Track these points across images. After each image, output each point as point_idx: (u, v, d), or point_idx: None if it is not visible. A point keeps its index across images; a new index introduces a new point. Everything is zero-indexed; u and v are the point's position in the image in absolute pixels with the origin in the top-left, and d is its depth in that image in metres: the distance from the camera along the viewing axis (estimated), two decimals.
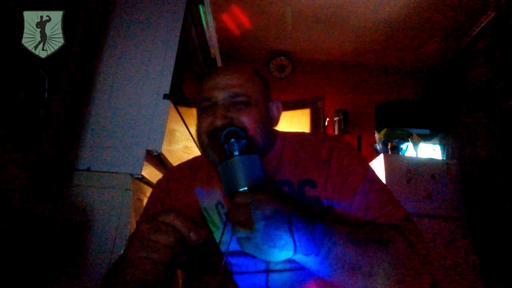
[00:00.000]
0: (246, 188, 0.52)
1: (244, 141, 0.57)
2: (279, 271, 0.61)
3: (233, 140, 0.56)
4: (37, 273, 0.85)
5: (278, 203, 0.51)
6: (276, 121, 0.78)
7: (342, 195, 0.65)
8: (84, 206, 1.00)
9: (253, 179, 0.53)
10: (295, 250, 0.49)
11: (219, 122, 0.65)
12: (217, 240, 0.62)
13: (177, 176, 0.81)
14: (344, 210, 0.64)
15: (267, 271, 0.62)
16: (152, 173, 1.18)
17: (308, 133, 0.81)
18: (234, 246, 0.60)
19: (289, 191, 0.67)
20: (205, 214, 0.70)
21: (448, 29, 2.45)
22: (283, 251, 0.49)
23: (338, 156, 0.69)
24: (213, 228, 0.68)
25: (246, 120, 0.67)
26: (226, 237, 0.61)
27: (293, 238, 0.49)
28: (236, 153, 0.55)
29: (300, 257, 0.51)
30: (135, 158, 1.07)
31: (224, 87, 0.69)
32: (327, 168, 0.68)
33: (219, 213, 0.69)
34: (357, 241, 0.54)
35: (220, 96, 0.68)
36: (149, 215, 0.62)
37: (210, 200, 0.72)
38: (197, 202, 0.72)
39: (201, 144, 0.72)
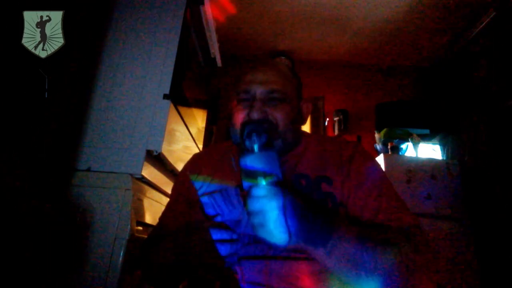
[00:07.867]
0: (263, 182, 0.56)
1: (264, 137, 0.62)
2: (277, 258, 0.66)
3: (254, 135, 0.61)
4: (37, 273, 0.85)
5: (290, 195, 0.56)
6: (305, 120, 0.83)
7: (356, 197, 0.69)
8: (84, 206, 1.00)
9: (270, 173, 0.57)
10: (305, 240, 0.55)
11: (255, 116, 0.71)
12: (234, 217, 0.71)
13: (204, 159, 0.88)
14: (356, 211, 0.68)
15: (268, 257, 0.66)
16: (152, 173, 1.18)
17: (329, 136, 0.88)
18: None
19: (306, 184, 0.72)
20: (224, 193, 0.76)
21: (448, 29, 2.45)
22: (292, 237, 0.54)
23: (359, 160, 0.74)
24: (230, 207, 0.74)
25: (280, 115, 0.73)
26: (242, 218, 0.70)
27: (299, 227, 0.55)
28: (256, 148, 0.60)
29: (310, 249, 0.57)
30: (135, 158, 1.07)
31: (263, 82, 0.75)
32: (347, 169, 0.72)
33: (237, 194, 0.74)
34: (364, 239, 0.57)
35: (259, 90, 0.74)
36: (180, 193, 0.83)
37: (232, 182, 0.76)
38: (219, 182, 0.78)
39: (234, 133, 0.77)
